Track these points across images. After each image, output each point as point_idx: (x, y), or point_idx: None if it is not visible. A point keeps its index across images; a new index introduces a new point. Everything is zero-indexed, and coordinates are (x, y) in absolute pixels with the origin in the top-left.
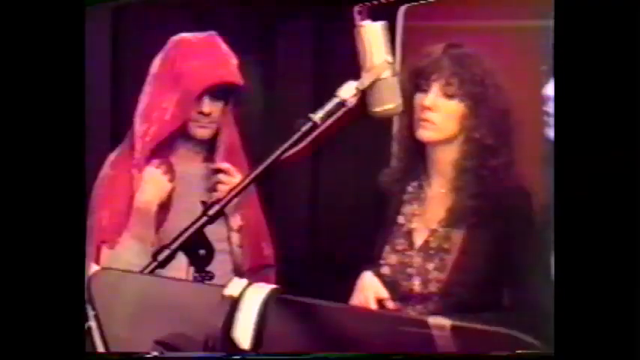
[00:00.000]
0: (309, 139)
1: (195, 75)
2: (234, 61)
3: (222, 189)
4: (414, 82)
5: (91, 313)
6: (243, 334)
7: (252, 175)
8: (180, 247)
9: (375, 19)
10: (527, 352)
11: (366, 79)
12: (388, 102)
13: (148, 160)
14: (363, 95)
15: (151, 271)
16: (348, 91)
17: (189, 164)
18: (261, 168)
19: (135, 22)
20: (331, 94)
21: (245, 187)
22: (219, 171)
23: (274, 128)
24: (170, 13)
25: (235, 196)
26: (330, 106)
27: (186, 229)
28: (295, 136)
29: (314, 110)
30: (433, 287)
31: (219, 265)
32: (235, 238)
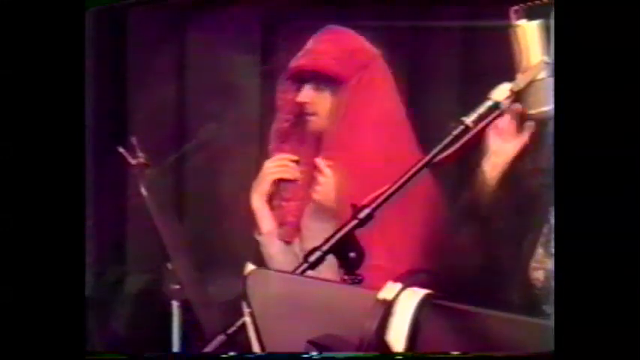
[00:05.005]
0: (460, 142)
1: (292, 63)
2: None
3: (318, 189)
4: None
5: (246, 310)
6: (397, 337)
7: (403, 179)
8: (331, 250)
9: (530, 18)
10: (527, 352)
11: (521, 81)
12: (545, 104)
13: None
14: (518, 97)
15: (302, 272)
16: (501, 93)
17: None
18: (412, 172)
19: (135, 23)
20: None
21: (396, 191)
22: (317, 169)
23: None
24: (170, 13)
25: (386, 199)
26: (482, 108)
27: (336, 232)
28: (447, 140)
29: None
30: None
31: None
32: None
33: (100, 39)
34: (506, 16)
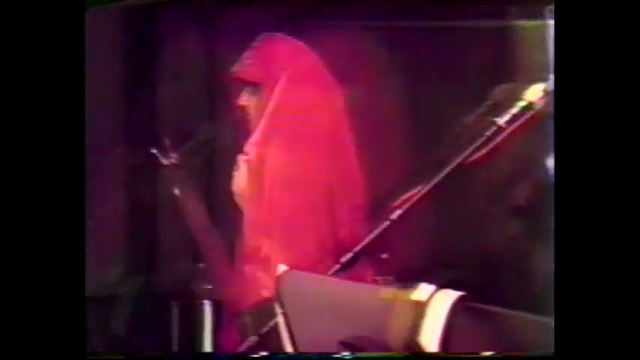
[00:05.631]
0: (493, 143)
1: None
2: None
3: (233, 182)
4: None
5: (279, 310)
6: (430, 338)
7: (435, 180)
8: (363, 251)
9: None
10: (527, 352)
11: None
12: None
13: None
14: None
15: (334, 273)
16: (535, 94)
17: None
18: (444, 172)
19: (135, 23)
20: None
21: (428, 192)
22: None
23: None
24: (170, 14)
25: (419, 201)
26: (515, 109)
27: (369, 233)
28: (479, 140)
29: None
30: None
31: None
32: None
33: (99, 38)
34: (506, 16)
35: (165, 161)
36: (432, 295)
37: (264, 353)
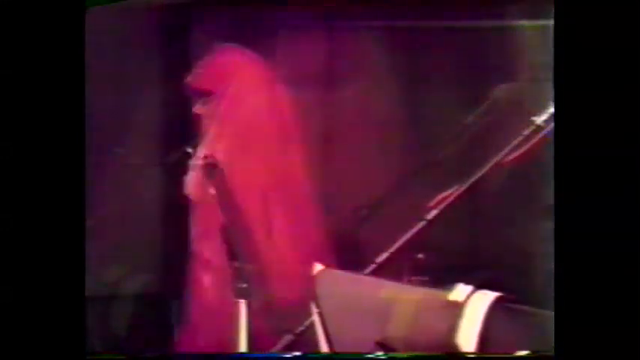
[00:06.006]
0: (531, 142)
1: None
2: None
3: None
4: None
5: (314, 309)
6: (467, 339)
7: (472, 180)
8: (399, 251)
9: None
10: (527, 352)
11: None
12: None
13: None
14: None
15: (370, 273)
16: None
17: None
18: (481, 172)
19: (135, 23)
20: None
21: (465, 191)
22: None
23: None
24: (170, 14)
25: (454, 201)
26: (554, 107)
27: (404, 233)
28: (516, 140)
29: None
30: None
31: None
32: None
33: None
34: (506, 16)
35: (201, 160)
36: (469, 296)
37: (297, 353)
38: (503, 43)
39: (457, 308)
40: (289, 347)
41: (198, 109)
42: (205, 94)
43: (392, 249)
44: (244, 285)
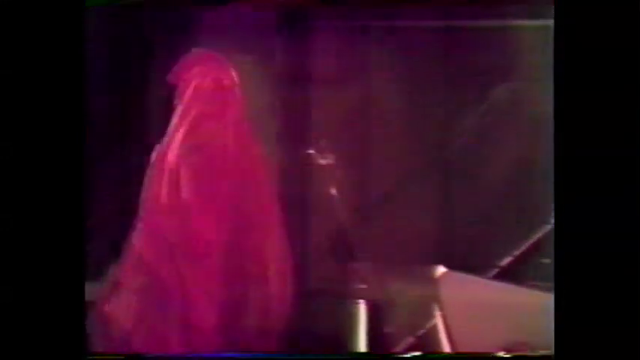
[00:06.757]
0: None
1: None
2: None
3: None
4: None
5: (437, 312)
6: None
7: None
8: (523, 255)
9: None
10: (527, 352)
11: None
12: None
13: None
14: None
15: (494, 277)
16: None
17: None
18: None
19: (135, 22)
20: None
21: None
22: None
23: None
24: (169, 14)
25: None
26: None
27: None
28: None
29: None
30: None
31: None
32: None
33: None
34: (506, 16)
35: (321, 161)
36: None
37: (416, 353)
38: (503, 43)
39: None
40: (410, 349)
41: (174, 106)
42: (178, 93)
43: (516, 252)
44: (363, 285)
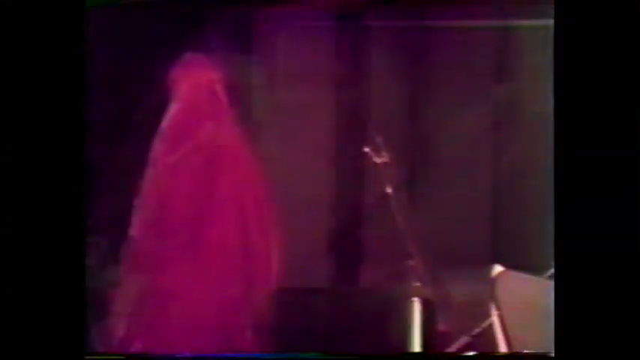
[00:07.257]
0: None
1: None
2: None
3: None
4: None
5: (494, 311)
6: None
7: None
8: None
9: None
10: (527, 352)
11: None
12: None
13: None
14: None
15: (551, 276)
16: None
17: None
18: None
19: (135, 22)
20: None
21: None
22: None
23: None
24: (169, 14)
25: None
26: None
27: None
28: None
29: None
30: None
31: None
32: None
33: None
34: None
35: (377, 160)
36: None
37: (472, 353)
38: (503, 43)
39: None
40: (466, 348)
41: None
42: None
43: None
44: (418, 284)
